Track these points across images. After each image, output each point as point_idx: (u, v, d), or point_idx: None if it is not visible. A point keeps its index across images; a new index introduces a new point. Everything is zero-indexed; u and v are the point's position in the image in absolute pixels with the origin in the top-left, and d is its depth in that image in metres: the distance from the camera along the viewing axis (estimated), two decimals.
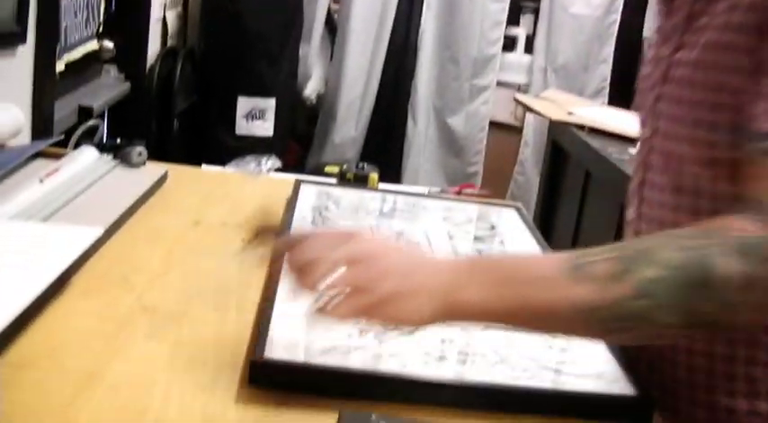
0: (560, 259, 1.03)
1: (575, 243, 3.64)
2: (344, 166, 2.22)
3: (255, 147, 4.07)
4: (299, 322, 1.25)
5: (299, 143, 4.94)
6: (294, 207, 1.78)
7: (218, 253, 1.59)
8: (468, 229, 1.82)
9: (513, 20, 5.06)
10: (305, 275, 1.05)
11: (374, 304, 1.01)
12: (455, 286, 1.02)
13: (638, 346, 1.29)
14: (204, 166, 2.29)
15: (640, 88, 1.40)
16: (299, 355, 1.15)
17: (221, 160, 2.30)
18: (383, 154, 4.85)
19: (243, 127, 4.31)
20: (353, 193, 1.97)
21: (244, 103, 4.28)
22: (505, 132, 4.96)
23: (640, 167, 1.34)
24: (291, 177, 2.05)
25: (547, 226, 3.95)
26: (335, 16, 4.90)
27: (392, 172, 4.81)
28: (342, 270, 1.03)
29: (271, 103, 4.33)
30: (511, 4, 4.93)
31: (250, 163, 2.17)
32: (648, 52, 1.40)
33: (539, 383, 1.18)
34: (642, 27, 4.94)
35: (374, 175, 2.14)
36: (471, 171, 4.95)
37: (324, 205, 1.83)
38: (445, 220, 1.86)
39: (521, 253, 1.18)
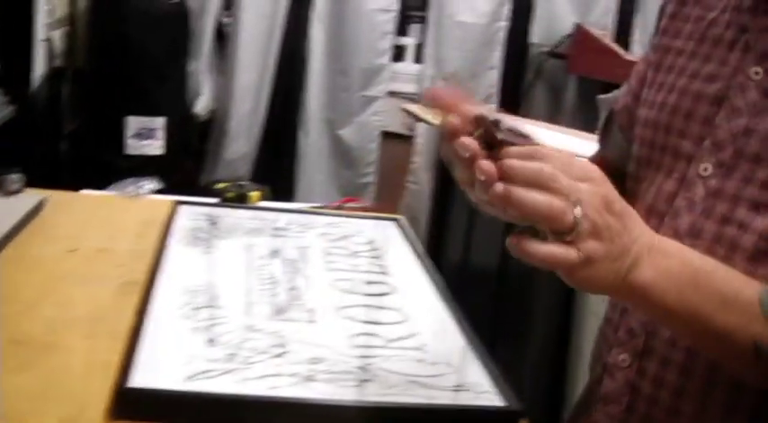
0: (759, 290, 0.98)
1: (466, 250, 3.68)
2: (227, 185, 2.22)
3: (146, 167, 4.03)
4: (167, 348, 1.25)
5: (192, 160, 4.91)
6: (170, 230, 1.78)
7: (93, 280, 1.58)
8: (344, 244, 1.83)
9: (401, 30, 5.08)
10: (541, 193, 0.89)
11: (577, 263, 0.91)
12: (640, 265, 0.95)
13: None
14: (84, 191, 2.26)
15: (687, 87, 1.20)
16: (165, 383, 1.15)
17: (112, 182, 2.27)
18: (276, 168, 4.84)
19: (133, 147, 4.27)
20: (233, 213, 1.97)
21: (133, 123, 4.25)
22: (398, 142, 4.97)
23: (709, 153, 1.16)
24: (174, 198, 2.05)
25: (440, 234, 3.98)
26: (227, 30, 4.88)
27: (286, 186, 4.80)
28: (578, 208, 0.90)
29: (160, 121, 4.30)
30: (398, 14, 4.94)
31: (130, 185, 2.15)
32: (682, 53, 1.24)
33: (408, 399, 1.19)
34: (528, 33, 4.99)
35: (255, 193, 2.14)
36: (364, 182, 4.96)
37: (201, 226, 1.83)
38: (323, 235, 1.87)
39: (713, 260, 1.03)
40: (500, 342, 3.09)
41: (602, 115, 1.48)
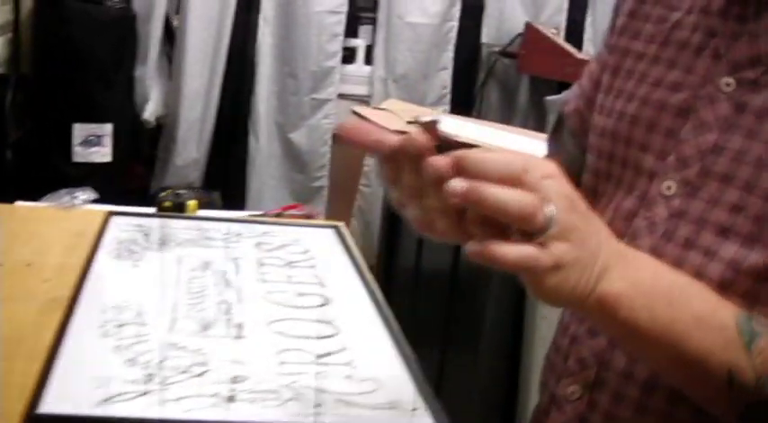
0: (736, 313, 0.90)
1: (419, 253, 3.64)
2: (166, 193, 2.18)
3: (94, 174, 3.99)
4: (84, 369, 1.21)
5: (144, 166, 4.86)
6: (100, 242, 1.73)
7: (16, 297, 1.52)
8: (280, 254, 1.79)
9: (351, 31, 5.05)
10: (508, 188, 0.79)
11: (547, 267, 0.81)
12: (609, 275, 0.85)
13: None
14: (18, 202, 2.21)
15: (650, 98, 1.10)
16: (78, 407, 1.10)
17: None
18: (227, 174, 4.80)
19: (80, 154, 4.21)
20: (168, 223, 1.92)
21: (79, 130, 4.19)
22: (350, 145, 4.92)
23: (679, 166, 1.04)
24: (108, 208, 2.00)
25: (393, 237, 3.95)
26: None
27: (237, 192, 4.76)
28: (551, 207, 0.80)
29: (107, 128, 4.25)
30: (348, 15, 4.91)
31: (64, 196, 2.10)
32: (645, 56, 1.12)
33: (333, 419, 1.15)
34: (480, 33, 4.97)
35: (192, 202, 2.10)
36: (317, 186, 4.92)
37: (133, 238, 1.78)
38: (258, 246, 1.82)
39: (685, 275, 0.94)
40: (452, 346, 3.07)
41: (552, 118, 1.39)
